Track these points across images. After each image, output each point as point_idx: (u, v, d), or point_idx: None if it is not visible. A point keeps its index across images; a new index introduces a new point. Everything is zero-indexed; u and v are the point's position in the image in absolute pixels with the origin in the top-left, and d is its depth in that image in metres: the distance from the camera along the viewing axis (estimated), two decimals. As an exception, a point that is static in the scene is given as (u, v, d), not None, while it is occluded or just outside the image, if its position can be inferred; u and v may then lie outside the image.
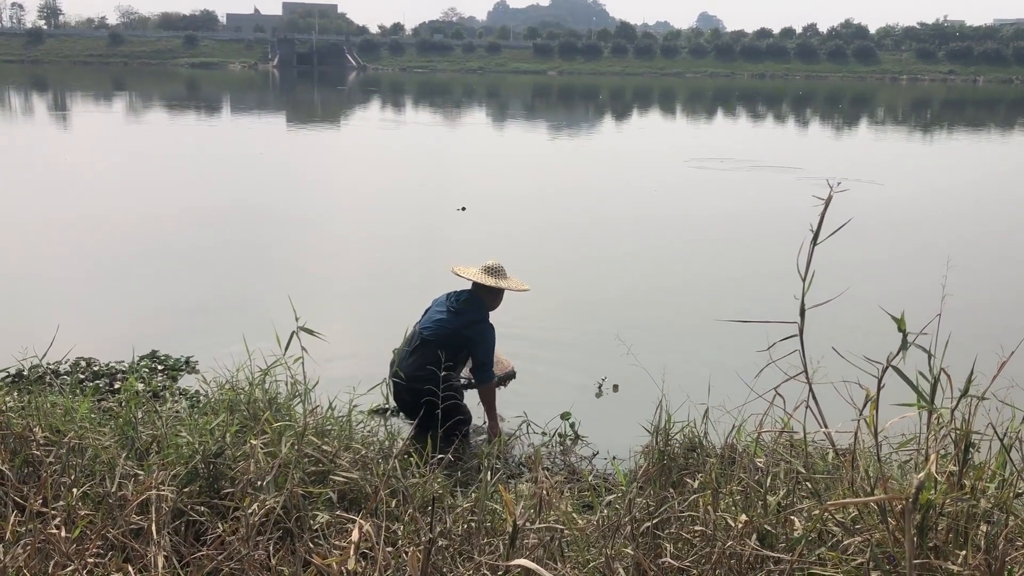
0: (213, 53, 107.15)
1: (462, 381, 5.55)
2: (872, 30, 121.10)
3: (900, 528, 2.40)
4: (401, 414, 5.43)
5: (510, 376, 6.26)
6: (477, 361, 5.23)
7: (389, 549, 2.79)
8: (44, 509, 3.01)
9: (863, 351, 3.01)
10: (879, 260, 10.50)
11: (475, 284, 5.34)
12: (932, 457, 2.47)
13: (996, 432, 2.78)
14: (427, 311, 5.43)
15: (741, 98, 57.82)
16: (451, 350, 5.09)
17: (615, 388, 6.14)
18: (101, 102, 42.52)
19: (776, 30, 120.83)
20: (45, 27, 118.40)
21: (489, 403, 5.29)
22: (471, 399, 5.59)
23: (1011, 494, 2.65)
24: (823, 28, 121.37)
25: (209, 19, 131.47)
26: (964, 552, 2.44)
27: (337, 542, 2.90)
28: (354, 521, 2.54)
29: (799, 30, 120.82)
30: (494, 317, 5.44)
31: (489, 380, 5.27)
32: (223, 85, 65.47)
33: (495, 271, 5.34)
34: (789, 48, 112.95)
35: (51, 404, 3.93)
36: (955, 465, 2.65)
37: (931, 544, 2.47)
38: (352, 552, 2.31)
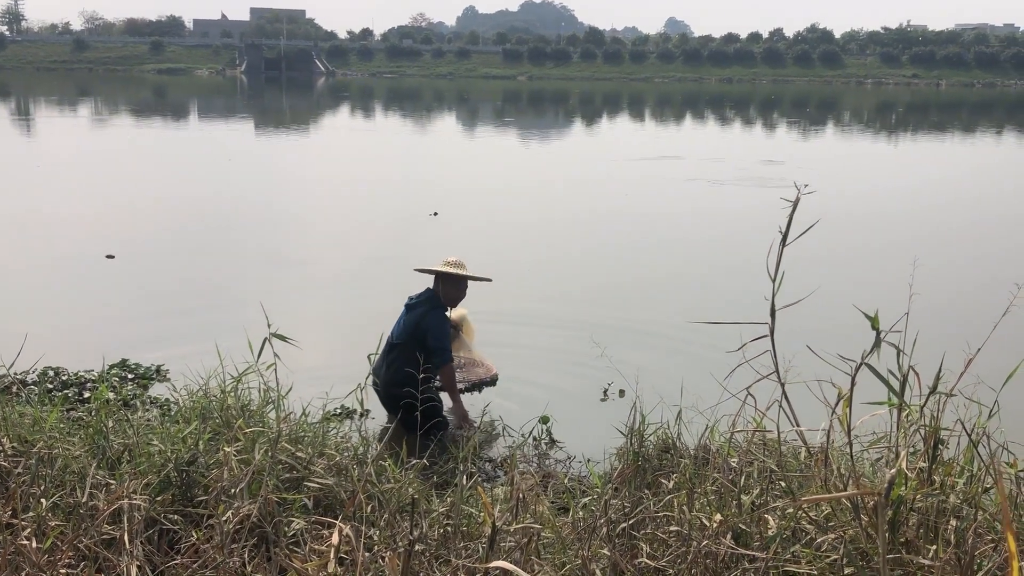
0: (180, 59, 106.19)
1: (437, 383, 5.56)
2: (837, 35, 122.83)
3: (872, 524, 2.44)
4: (381, 414, 5.51)
5: (489, 382, 6.19)
6: (429, 348, 5.24)
7: (366, 554, 2.78)
8: (14, 520, 2.96)
9: (833, 349, 3.05)
10: (847, 257, 10.64)
11: (436, 278, 5.41)
12: (903, 454, 2.51)
13: (964, 428, 2.83)
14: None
15: (710, 103, 58.29)
16: (417, 347, 5.15)
17: (621, 393, 5.99)
18: (66, 108, 41.92)
19: (743, 35, 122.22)
20: (8, 33, 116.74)
21: (450, 386, 5.33)
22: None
23: (979, 489, 2.69)
24: (789, 33, 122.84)
25: (176, 25, 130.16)
26: (935, 546, 2.48)
27: (315, 546, 2.88)
28: (331, 526, 2.52)
29: (766, 35, 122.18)
30: (471, 310, 5.50)
31: (445, 363, 5.30)
32: (190, 91, 64.86)
33: (455, 264, 5.43)
34: (756, 52, 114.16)
35: (19, 414, 3.87)
36: (925, 461, 2.70)
37: (903, 539, 2.51)
38: (332, 556, 2.29)
